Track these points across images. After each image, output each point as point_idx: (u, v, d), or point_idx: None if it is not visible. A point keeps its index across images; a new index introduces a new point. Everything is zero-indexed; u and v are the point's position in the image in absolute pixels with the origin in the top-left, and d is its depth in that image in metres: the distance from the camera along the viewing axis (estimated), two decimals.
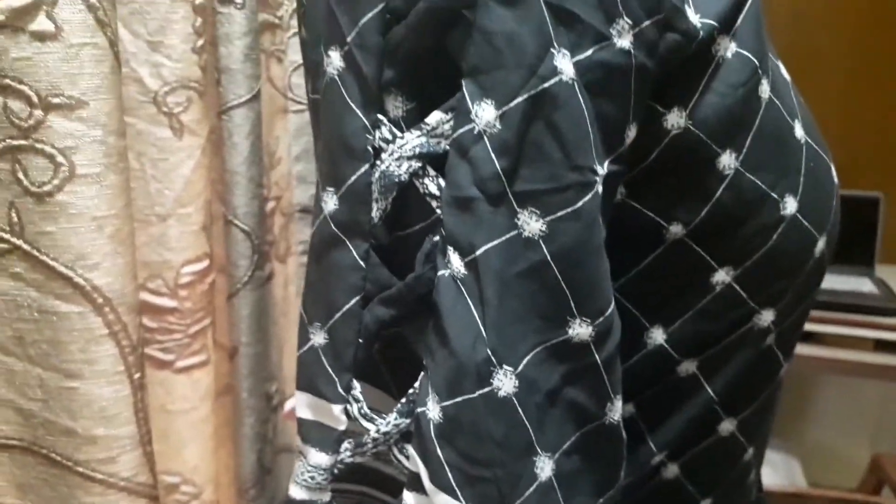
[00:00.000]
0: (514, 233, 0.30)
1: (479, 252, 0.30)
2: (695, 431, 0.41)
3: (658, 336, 0.39)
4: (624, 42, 0.30)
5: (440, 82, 0.31)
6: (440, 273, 0.31)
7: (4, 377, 0.40)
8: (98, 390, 0.39)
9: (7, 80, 0.35)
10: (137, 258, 0.54)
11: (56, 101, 0.35)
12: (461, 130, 0.30)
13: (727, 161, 0.36)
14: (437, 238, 0.31)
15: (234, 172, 0.62)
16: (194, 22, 0.51)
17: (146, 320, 0.55)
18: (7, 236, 0.37)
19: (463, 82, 0.30)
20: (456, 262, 0.30)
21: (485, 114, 0.29)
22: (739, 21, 0.36)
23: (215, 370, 0.60)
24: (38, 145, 0.35)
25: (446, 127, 0.31)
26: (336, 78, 0.32)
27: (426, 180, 0.31)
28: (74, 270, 0.37)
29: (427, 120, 0.31)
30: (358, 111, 0.32)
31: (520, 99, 0.29)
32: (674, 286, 0.38)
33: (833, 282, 1.79)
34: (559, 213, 0.30)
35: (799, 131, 0.40)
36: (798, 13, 1.85)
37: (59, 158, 0.36)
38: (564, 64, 0.29)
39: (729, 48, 0.35)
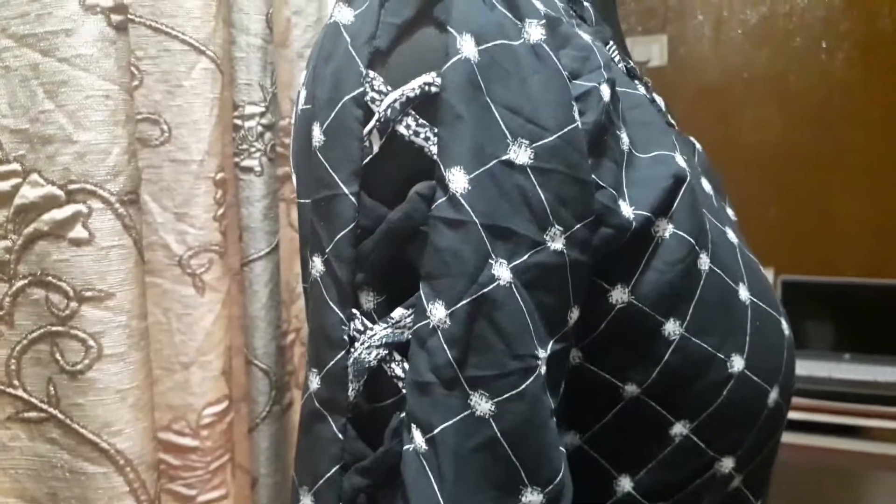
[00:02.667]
0: (467, 412, 0.34)
1: (436, 431, 0.34)
2: None
3: (626, 484, 0.42)
4: (557, 245, 0.35)
5: (404, 280, 0.36)
6: (405, 447, 0.35)
7: None
8: None
9: (49, 278, 0.42)
10: (163, 402, 0.60)
11: (88, 294, 0.42)
12: (419, 325, 0.35)
13: (672, 328, 0.40)
14: (403, 415, 0.36)
15: (254, 317, 0.69)
16: (215, 194, 0.59)
17: (170, 458, 0.60)
18: (45, 407, 0.43)
19: (420, 283, 0.35)
20: (418, 439, 0.35)
21: (437, 312, 0.34)
22: (675, 205, 0.41)
23: (236, 498, 0.64)
24: (73, 331, 0.42)
25: (408, 320, 0.36)
26: (318, 279, 0.38)
27: (393, 364, 0.36)
28: (100, 437, 0.43)
29: (392, 314, 0.36)
30: (335, 308, 0.37)
31: (464, 301, 0.34)
32: (636, 438, 0.42)
33: (873, 373, 1.76)
34: (505, 395, 0.34)
35: (744, 293, 0.44)
36: (822, 104, 1.90)
37: (90, 342, 0.42)
38: (502, 271, 0.34)
39: (667, 229, 0.40)
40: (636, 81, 0.50)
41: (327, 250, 0.37)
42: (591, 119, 0.37)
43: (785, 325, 0.47)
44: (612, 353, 0.40)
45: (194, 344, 0.59)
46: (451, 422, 0.34)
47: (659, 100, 0.55)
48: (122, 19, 0.42)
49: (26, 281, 0.42)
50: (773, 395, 0.44)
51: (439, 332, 0.34)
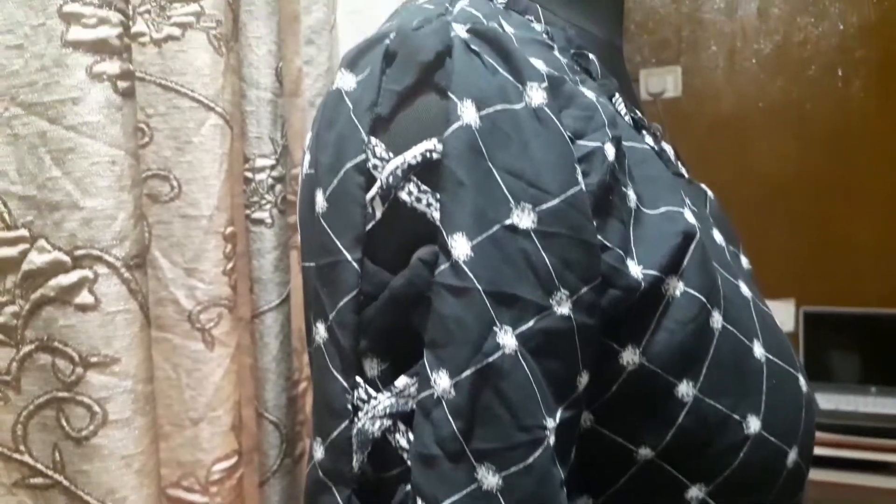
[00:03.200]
0: (473, 486, 0.33)
1: None
2: None
3: None
4: (563, 309, 0.35)
5: (408, 346, 0.36)
6: None
7: None
8: None
9: (56, 343, 0.42)
10: (172, 458, 0.59)
11: (94, 360, 0.42)
12: (423, 395, 0.34)
13: (685, 390, 0.39)
14: (408, 488, 0.35)
15: (265, 370, 0.68)
16: (224, 248, 0.59)
17: None
18: (51, 473, 0.43)
19: (424, 351, 0.34)
20: None
21: (441, 382, 0.33)
22: (685, 263, 0.40)
23: None
24: (78, 397, 0.42)
25: (412, 389, 0.35)
26: (322, 346, 0.38)
27: (397, 435, 0.35)
28: None
29: (396, 383, 0.36)
30: (338, 376, 0.36)
31: (468, 371, 0.33)
32: (650, 502, 0.41)
33: (893, 406, 1.72)
34: (512, 469, 0.33)
35: (758, 350, 0.43)
36: (839, 132, 1.88)
37: (95, 408, 0.42)
38: (507, 339, 0.33)
39: (677, 287, 0.39)
40: (643, 132, 0.50)
41: (330, 317, 0.37)
42: (596, 180, 0.37)
43: (802, 381, 0.46)
44: (624, 415, 0.39)
45: (204, 399, 0.58)
46: (457, 496, 0.33)
47: (668, 148, 0.55)
48: (128, 85, 0.43)
49: (33, 346, 0.42)
50: (792, 455, 0.43)
51: (444, 403, 0.33)
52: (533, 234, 0.34)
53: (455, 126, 0.34)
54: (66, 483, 0.42)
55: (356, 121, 0.37)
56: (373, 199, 0.36)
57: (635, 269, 0.38)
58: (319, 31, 0.79)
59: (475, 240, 0.33)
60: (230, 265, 0.59)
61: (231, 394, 0.61)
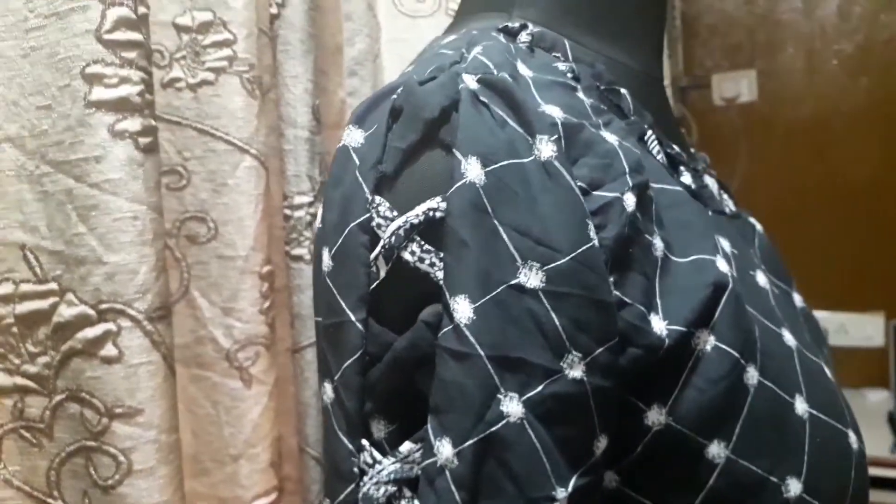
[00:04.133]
0: None
1: None
2: None
3: None
4: (576, 372, 0.33)
5: (415, 408, 0.35)
6: None
7: None
8: None
9: (83, 394, 0.43)
10: (213, 494, 0.60)
11: (118, 410, 0.43)
12: (427, 462, 0.33)
13: (716, 451, 0.37)
14: None
15: (306, 405, 0.69)
16: (261, 287, 0.60)
17: None
18: None
19: (428, 417, 0.33)
20: None
21: (444, 450, 0.32)
22: (717, 315, 0.37)
23: None
24: (104, 447, 0.43)
25: (417, 455, 0.34)
26: (329, 407, 0.37)
27: (403, 502, 0.34)
28: None
29: (400, 448, 0.35)
30: (344, 439, 0.36)
31: (471, 441, 0.32)
32: None
33: None
34: None
35: (800, 406, 0.40)
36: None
37: (121, 458, 0.43)
38: (512, 407, 0.32)
39: (708, 341, 0.37)
40: (681, 168, 0.47)
41: (336, 378, 0.36)
42: (612, 234, 0.35)
43: (853, 437, 0.42)
44: (651, 477, 0.37)
45: (242, 436, 0.59)
46: None
47: (711, 182, 0.52)
48: (150, 141, 0.44)
49: (64, 396, 0.44)
50: None
51: (447, 472, 0.32)
52: (541, 295, 0.33)
53: (458, 184, 0.33)
54: None
55: (361, 179, 0.36)
56: (376, 258, 0.35)
57: (659, 325, 0.36)
58: (363, 63, 0.79)
59: (478, 302, 0.32)
60: (267, 304, 0.60)
61: (269, 431, 0.61)
